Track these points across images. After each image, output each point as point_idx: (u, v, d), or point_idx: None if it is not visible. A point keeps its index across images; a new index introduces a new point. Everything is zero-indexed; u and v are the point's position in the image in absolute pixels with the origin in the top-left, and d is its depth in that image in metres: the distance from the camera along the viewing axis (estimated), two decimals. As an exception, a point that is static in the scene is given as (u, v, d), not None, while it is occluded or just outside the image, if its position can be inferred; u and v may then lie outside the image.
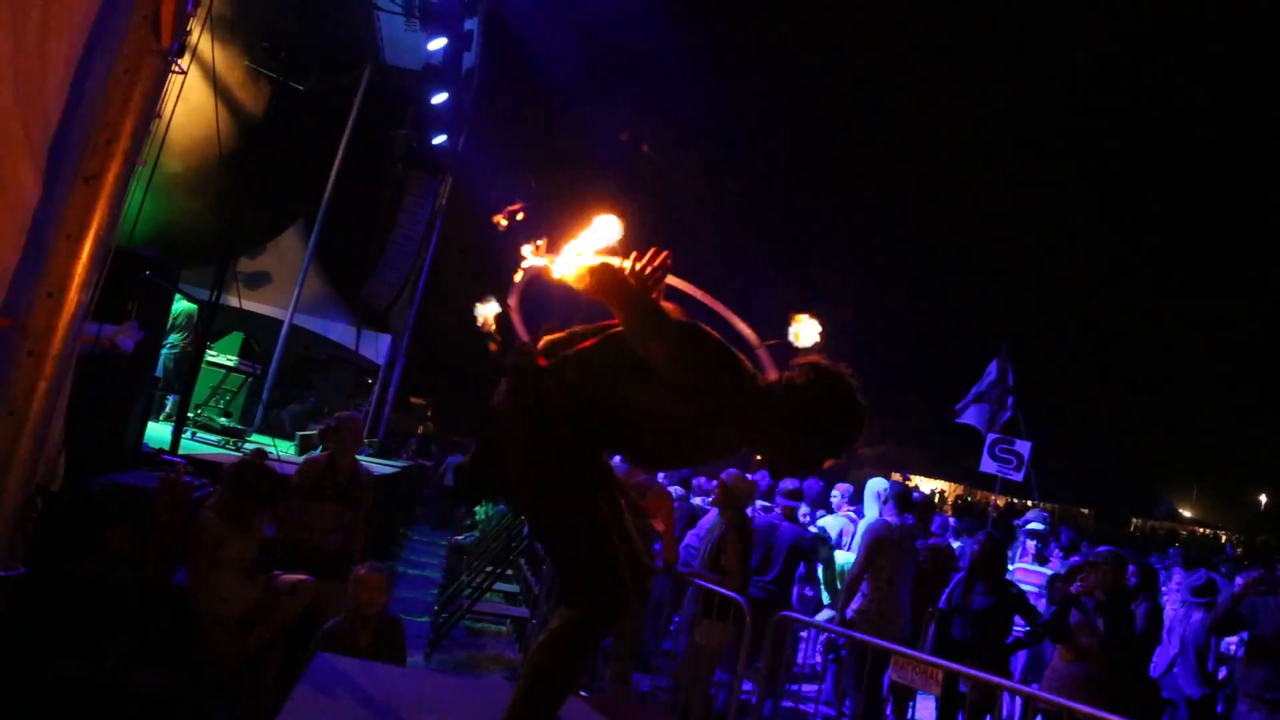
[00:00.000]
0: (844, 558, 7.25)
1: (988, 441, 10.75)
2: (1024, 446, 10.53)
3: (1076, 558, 7.34)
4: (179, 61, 4.08)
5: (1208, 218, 43.30)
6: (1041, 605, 7.18)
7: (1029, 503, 18.77)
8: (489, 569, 7.98)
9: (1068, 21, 42.36)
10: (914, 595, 6.22)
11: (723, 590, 5.40)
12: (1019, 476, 10.62)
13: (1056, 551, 8.87)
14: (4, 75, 3.11)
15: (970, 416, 11.41)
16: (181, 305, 8.81)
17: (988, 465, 10.66)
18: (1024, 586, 6.85)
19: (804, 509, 8.19)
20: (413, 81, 13.88)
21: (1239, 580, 6.45)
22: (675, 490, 8.38)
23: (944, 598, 6.45)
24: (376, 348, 15.46)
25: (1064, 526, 8.79)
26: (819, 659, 7.49)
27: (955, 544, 7.97)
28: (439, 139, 14.24)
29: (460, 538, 10.71)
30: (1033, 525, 9.35)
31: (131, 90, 3.70)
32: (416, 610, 8.03)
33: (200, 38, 6.46)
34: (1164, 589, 7.51)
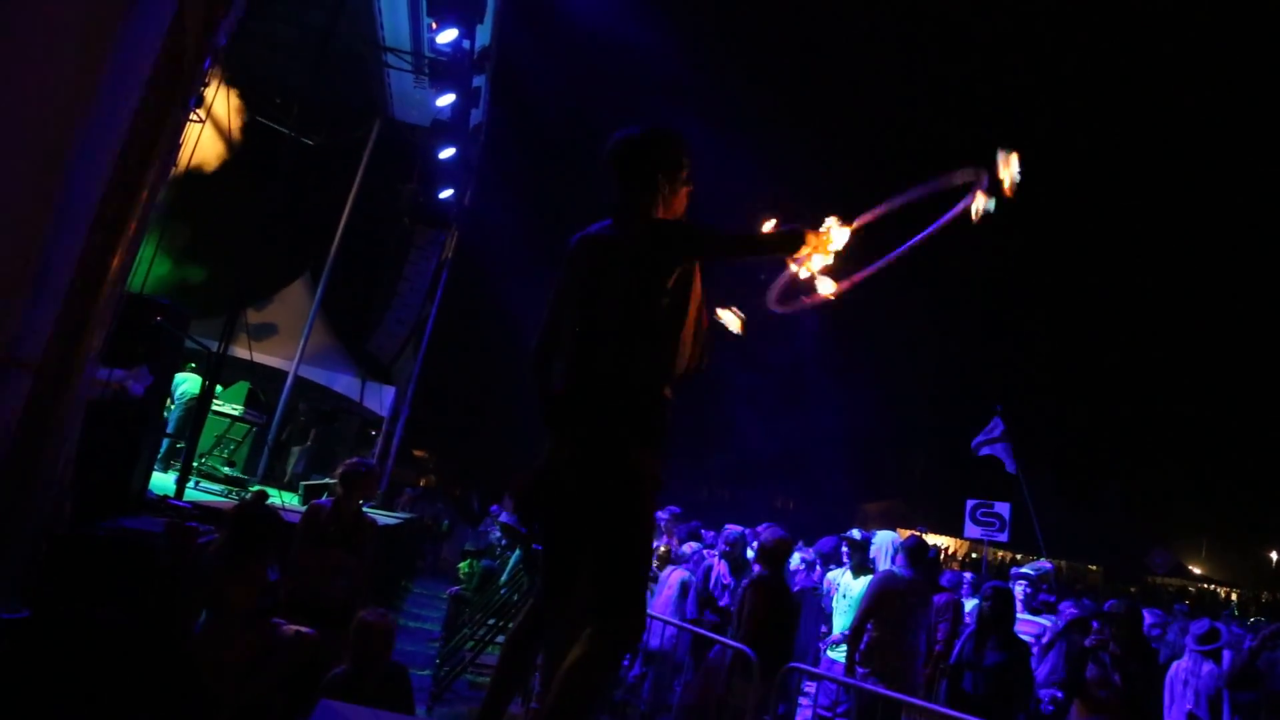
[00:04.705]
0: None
1: (968, 507, 10.86)
2: (1003, 508, 10.66)
3: (1074, 609, 7.20)
4: (198, 111, 4.15)
5: (1219, 274, 43.47)
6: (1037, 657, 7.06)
7: (1032, 557, 18.59)
8: (491, 621, 7.87)
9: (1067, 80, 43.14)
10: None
11: (728, 642, 5.32)
12: (1004, 537, 10.72)
13: (1049, 599, 8.70)
14: (31, 122, 3.17)
15: (995, 450, 11.60)
16: (187, 387, 8.75)
17: (971, 531, 10.78)
18: (1022, 637, 6.75)
19: (799, 559, 8.13)
20: (421, 136, 14.11)
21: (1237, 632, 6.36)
22: (690, 546, 8.31)
23: (954, 653, 6.34)
24: (381, 400, 15.46)
25: (1045, 586, 8.66)
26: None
27: (970, 602, 7.84)
28: (446, 193, 14.41)
29: (455, 589, 10.58)
30: (1023, 570, 9.26)
31: (153, 138, 3.77)
32: (418, 663, 7.90)
33: (216, 92, 6.60)
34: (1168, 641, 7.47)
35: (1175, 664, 6.41)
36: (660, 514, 8.19)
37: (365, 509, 5.46)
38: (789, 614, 5.85)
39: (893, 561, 6.34)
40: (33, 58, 3.09)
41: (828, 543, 8.97)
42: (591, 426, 2.52)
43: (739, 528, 8.10)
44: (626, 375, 2.52)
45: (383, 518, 10.28)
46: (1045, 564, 10.19)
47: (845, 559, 7.68)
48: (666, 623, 6.45)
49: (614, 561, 2.51)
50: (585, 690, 2.39)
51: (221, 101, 7.50)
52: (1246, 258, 42.61)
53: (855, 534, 7.26)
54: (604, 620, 2.44)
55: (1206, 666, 6.34)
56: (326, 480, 9.23)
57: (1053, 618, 7.51)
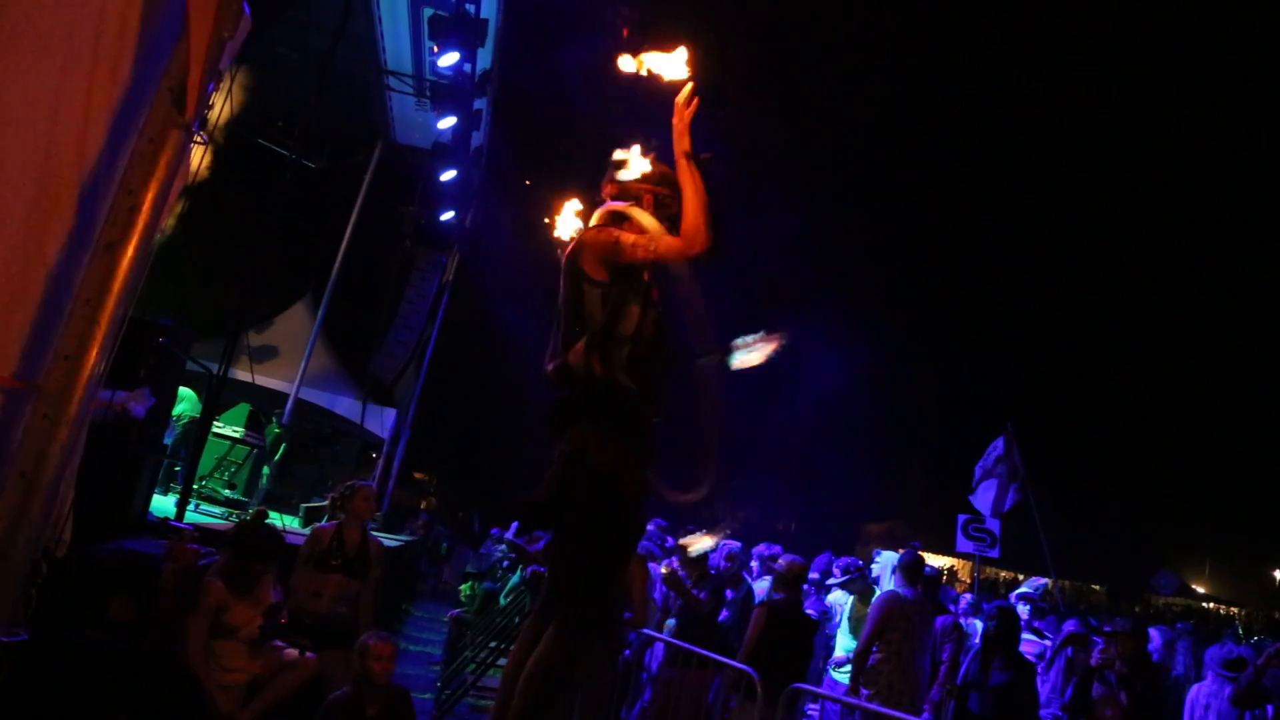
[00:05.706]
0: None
1: (959, 522, 10.80)
2: (994, 524, 10.62)
3: (1076, 627, 7.15)
4: (201, 133, 4.17)
5: (1223, 292, 43.42)
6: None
7: (1032, 577, 18.47)
8: (493, 644, 7.82)
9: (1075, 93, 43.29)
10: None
11: (730, 662, 5.28)
12: (995, 553, 10.72)
13: (1050, 620, 8.61)
14: (38, 144, 3.19)
15: (980, 499, 11.24)
16: (183, 407, 8.63)
17: (964, 545, 10.74)
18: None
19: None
20: (422, 159, 14.16)
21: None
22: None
23: (960, 674, 6.29)
24: (382, 422, 15.45)
25: (1047, 604, 8.60)
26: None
27: (973, 621, 7.79)
28: (447, 215, 14.44)
29: (456, 611, 10.51)
30: (1022, 590, 9.15)
31: (155, 160, 3.78)
32: (419, 686, 7.84)
33: (219, 115, 6.63)
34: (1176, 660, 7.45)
35: (1196, 686, 6.37)
36: (648, 526, 8.04)
37: (370, 531, 5.43)
38: (798, 638, 5.82)
39: (893, 580, 6.32)
40: (42, 81, 3.11)
41: (821, 561, 8.92)
42: (561, 429, 2.69)
43: (737, 543, 8.05)
44: (583, 374, 2.65)
45: (385, 540, 10.24)
46: (1041, 580, 10.12)
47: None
48: (668, 643, 6.40)
49: (569, 556, 2.60)
50: (543, 689, 2.47)
51: (224, 124, 7.54)
52: (1249, 276, 42.64)
53: (836, 573, 7.17)
54: (559, 617, 2.54)
55: (1229, 690, 6.29)
56: (326, 503, 9.20)
57: (1054, 636, 7.47)
